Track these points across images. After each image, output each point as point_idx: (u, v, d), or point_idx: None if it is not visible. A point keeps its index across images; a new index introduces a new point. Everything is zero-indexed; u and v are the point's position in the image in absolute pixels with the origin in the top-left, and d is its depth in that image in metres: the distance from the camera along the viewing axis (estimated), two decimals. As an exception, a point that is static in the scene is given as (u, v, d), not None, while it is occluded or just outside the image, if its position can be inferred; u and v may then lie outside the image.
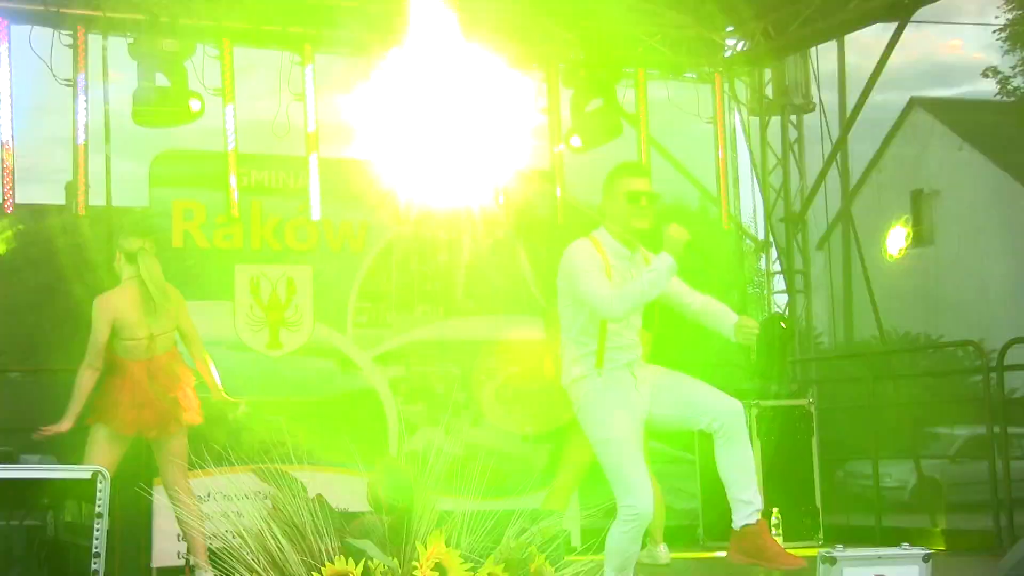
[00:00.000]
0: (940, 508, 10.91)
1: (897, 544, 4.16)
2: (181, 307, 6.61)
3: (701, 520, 8.88)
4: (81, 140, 7.86)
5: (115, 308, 6.42)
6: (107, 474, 3.73)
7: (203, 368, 6.66)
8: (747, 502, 5.04)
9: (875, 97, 9.56)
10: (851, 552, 4.05)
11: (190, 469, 6.26)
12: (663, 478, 12.40)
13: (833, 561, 4.03)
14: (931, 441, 17.58)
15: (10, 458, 5.65)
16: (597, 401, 5.14)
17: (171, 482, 6.43)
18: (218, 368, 7.88)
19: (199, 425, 7.56)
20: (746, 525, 5.02)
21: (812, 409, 8.65)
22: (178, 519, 6.46)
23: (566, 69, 9.12)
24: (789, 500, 8.35)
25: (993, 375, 8.33)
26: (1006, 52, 21.78)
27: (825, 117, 10.34)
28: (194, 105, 8.02)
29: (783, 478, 8.43)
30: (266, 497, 3.11)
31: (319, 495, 3.12)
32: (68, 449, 6.37)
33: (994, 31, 22.49)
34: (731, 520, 5.05)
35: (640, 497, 4.98)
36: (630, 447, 5.06)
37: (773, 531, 8.13)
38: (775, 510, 8.18)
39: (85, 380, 6.35)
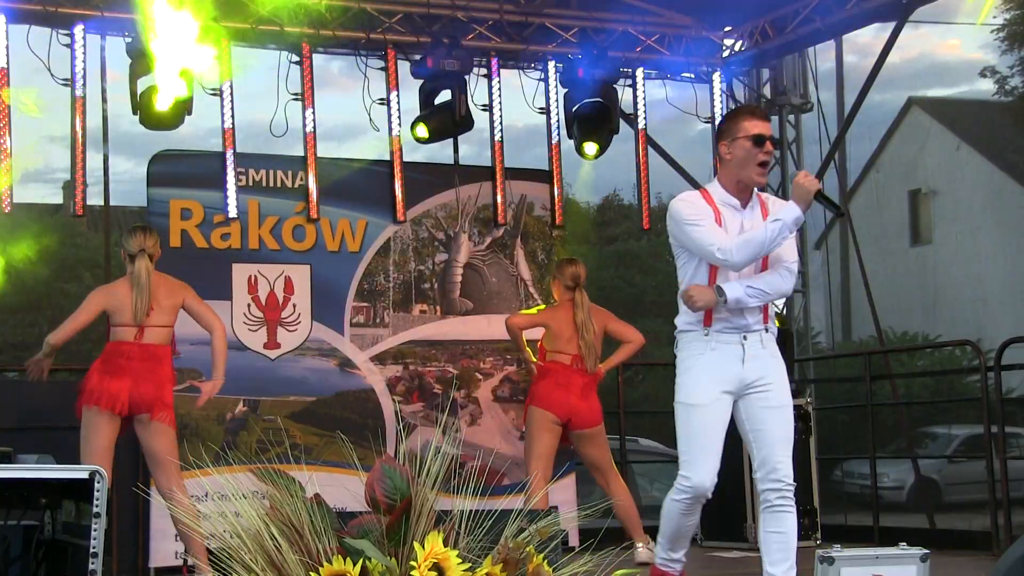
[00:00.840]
0: (938, 508, 10.93)
1: (895, 544, 4.17)
2: (189, 301, 6.76)
3: (699, 520, 8.87)
4: (79, 140, 7.86)
5: (107, 297, 6.66)
6: (105, 474, 3.72)
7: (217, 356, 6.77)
8: None
9: (873, 97, 9.57)
10: (849, 552, 4.05)
11: (186, 469, 6.26)
12: (661, 477, 12.41)
13: (831, 561, 4.04)
14: (928, 441, 17.62)
15: (8, 458, 5.65)
16: (691, 360, 4.95)
17: (165, 481, 6.44)
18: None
19: (197, 425, 7.58)
20: None
21: (810, 409, 8.66)
22: (174, 519, 6.46)
23: (563, 68, 9.12)
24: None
25: (991, 374, 8.34)
26: (1004, 52, 21.79)
27: (823, 117, 10.35)
28: (191, 105, 8.01)
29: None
30: (264, 497, 3.11)
31: (317, 495, 3.12)
32: (66, 449, 6.38)
33: (992, 31, 22.49)
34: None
35: (696, 472, 4.84)
36: (706, 418, 4.86)
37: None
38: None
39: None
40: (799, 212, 4.76)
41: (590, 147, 9.00)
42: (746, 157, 4.86)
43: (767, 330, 4.94)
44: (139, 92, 7.84)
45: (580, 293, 7.42)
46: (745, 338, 4.90)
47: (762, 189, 5.04)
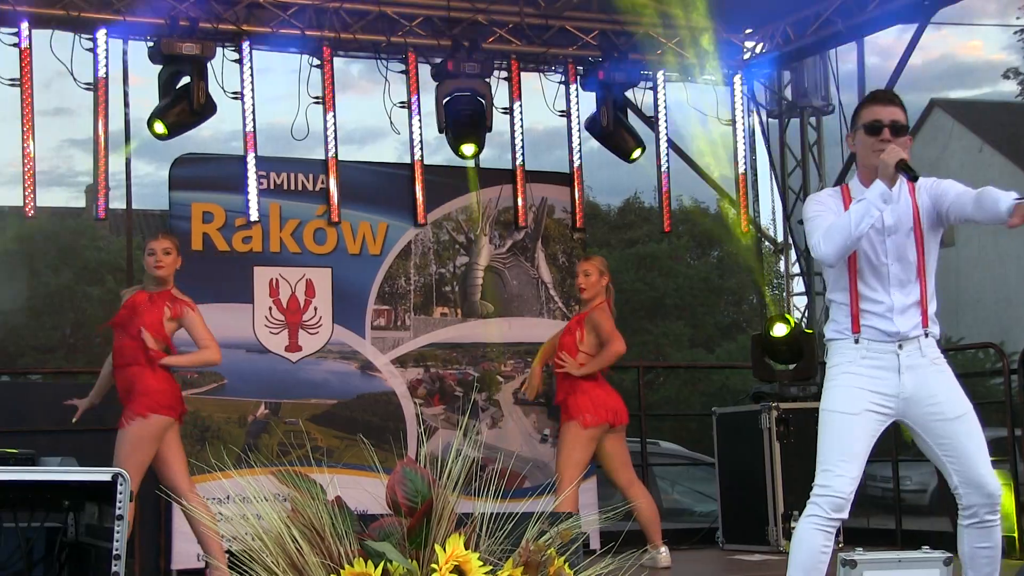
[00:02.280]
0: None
1: (918, 547, 4.15)
2: (187, 318, 6.68)
3: (720, 523, 8.87)
4: (101, 144, 7.89)
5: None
6: (127, 476, 3.74)
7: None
8: None
9: (895, 98, 9.50)
10: (871, 555, 4.04)
11: (208, 472, 6.27)
12: (682, 480, 12.39)
13: (853, 564, 4.02)
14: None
15: (31, 460, 5.67)
16: (840, 369, 4.51)
17: (178, 481, 6.44)
18: (237, 371, 7.92)
19: (219, 428, 7.60)
20: None
21: (832, 411, 8.61)
22: (188, 518, 6.48)
23: (584, 71, 9.12)
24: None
25: (1014, 377, 8.29)
26: (1027, 53, 21.71)
27: (845, 119, 10.30)
28: (214, 108, 8.04)
29: (803, 481, 8.35)
30: (285, 499, 3.12)
31: (338, 497, 3.12)
32: (89, 452, 6.40)
33: (1015, 32, 22.42)
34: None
35: (836, 482, 4.39)
36: (847, 425, 4.44)
37: (793, 534, 8.13)
38: (795, 513, 8.16)
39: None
40: (883, 187, 4.32)
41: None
42: (864, 147, 4.51)
43: (927, 335, 4.49)
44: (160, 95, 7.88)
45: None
46: (900, 347, 4.46)
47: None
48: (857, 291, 4.50)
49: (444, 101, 8.60)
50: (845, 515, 4.40)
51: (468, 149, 8.66)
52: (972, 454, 4.40)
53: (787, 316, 9.47)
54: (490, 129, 8.73)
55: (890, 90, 4.61)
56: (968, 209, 4.41)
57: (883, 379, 4.44)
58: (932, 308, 4.52)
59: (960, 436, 4.42)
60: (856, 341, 4.50)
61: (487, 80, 8.65)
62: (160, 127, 7.97)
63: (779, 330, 9.00)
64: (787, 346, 9.03)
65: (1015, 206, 4.14)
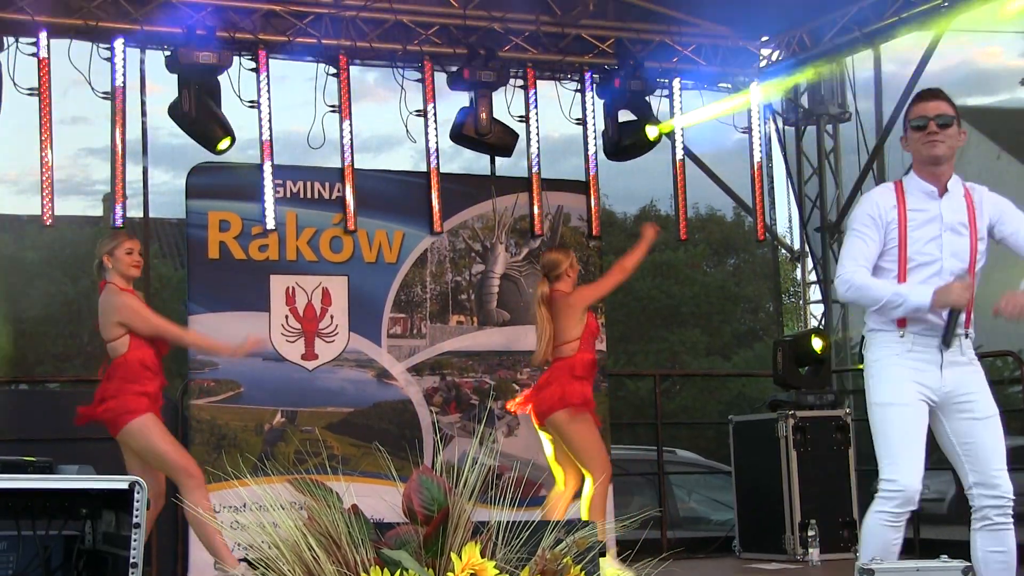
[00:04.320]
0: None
1: (936, 556, 4.13)
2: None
3: (737, 531, 8.84)
4: (119, 153, 7.92)
5: None
6: (144, 484, 3.75)
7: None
8: None
9: (912, 106, 9.48)
10: (889, 564, 4.02)
11: (225, 480, 6.27)
12: (699, 488, 12.36)
13: (871, 573, 4.01)
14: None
15: (49, 468, 5.68)
16: (886, 361, 4.49)
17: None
18: (254, 379, 7.94)
19: (236, 436, 7.62)
20: None
21: (849, 420, 8.61)
22: (191, 522, 6.49)
23: (600, 79, 9.12)
24: (826, 511, 8.30)
25: (1032, 385, 8.25)
26: (1045, 60, 21.63)
27: (861, 126, 10.29)
28: (223, 144, 8.09)
29: (820, 489, 8.38)
30: (302, 507, 3.12)
31: (354, 505, 3.12)
32: (106, 460, 6.42)
33: (1032, 39, 22.28)
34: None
35: (903, 472, 4.36)
36: (907, 416, 4.42)
37: (810, 542, 8.12)
38: (812, 521, 8.14)
39: None
40: (925, 304, 4.39)
41: (652, 129, 9.02)
42: (915, 143, 4.54)
43: (967, 335, 4.55)
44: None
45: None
46: (943, 349, 4.49)
47: (938, 161, 4.54)
48: (907, 281, 4.50)
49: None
50: (915, 506, 4.39)
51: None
52: (990, 455, 4.43)
53: (822, 331, 9.45)
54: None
55: (935, 88, 4.63)
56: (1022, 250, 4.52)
57: (927, 372, 4.46)
58: (973, 311, 4.54)
59: (984, 436, 4.46)
60: (902, 335, 4.50)
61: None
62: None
63: (816, 344, 8.95)
64: (813, 356, 9.00)
65: None
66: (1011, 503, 4.41)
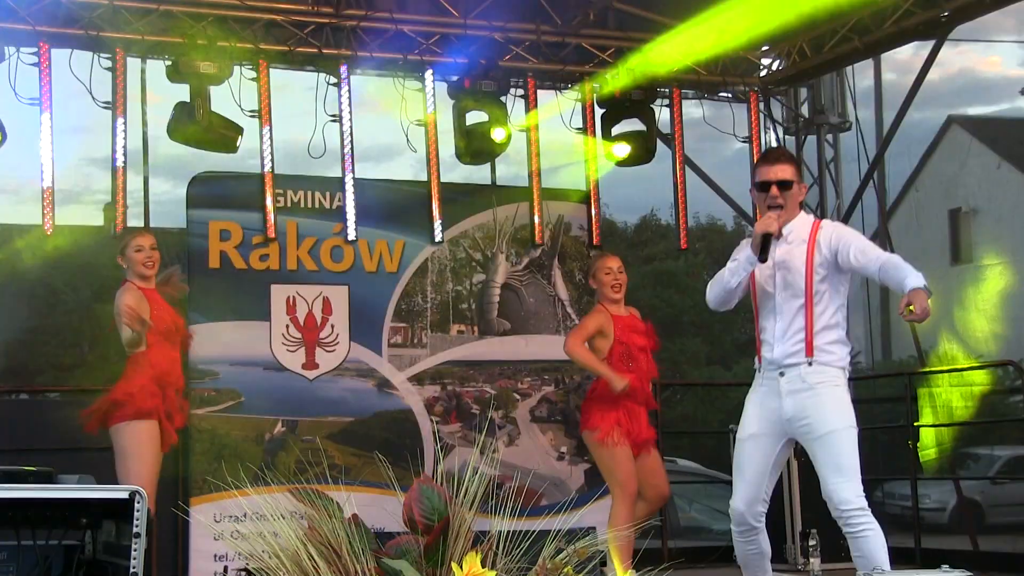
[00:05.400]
0: (980, 530, 10.80)
1: (937, 566, 4.13)
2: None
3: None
4: (119, 162, 7.93)
5: None
6: (145, 494, 3.75)
7: None
8: None
9: (912, 115, 9.51)
10: (890, 574, 4.01)
11: (225, 489, 6.26)
12: (699, 497, 12.36)
13: (872, 583, 4.00)
14: (971, 462, 17.43)
15: (49, 478, 5.68)
16: (747, 396, 5.14)
17: None
18: (254, 388, 7.94)
19: (236, 445, 7.61)
20: None
21: (850, 429, 8.59)
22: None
23: (601, 88, 9.13)
24: (827, 521, 8.22)
25: (1033, 395, 8.25)
26: (1045, 69, 21.64)
27: (861, 135, 10.31)
28: (233, 130, 8.08)
29: (821, 498, 8.35)
30: (302, 517, 3.12)
31: (355, 515, 3.12)
32: (107, 469, 6.42)
33: (1032, 48, 22.31)
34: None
35: (735, 499, 5.07)
36: (744, 451, 5.07)
37: (811, 552, 8.11)
38: (813, 531, 8.13)
39: None
40: (749, 251, 4.96)
41: (619, 148, 8.99)
42: (759, 202, 5.14)
43: (810, 363, 4.95)
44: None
45: None
46: (782, 374, 5.00)
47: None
48: (758, 321, 5.11)
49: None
50: (750, 525, 5.06)
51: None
52: (824, 470, 4.89)
53: None
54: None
55: (780, 147, 5.43)
56: (871, 273, 4.97)
57: (771, 403, 5.01)
58: (824, 338, 4.95)
59: (818, 454, 4.91)
60: (757, 369, 5.11)
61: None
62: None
63: None
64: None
65: (911, 292, 4.68)
66: (847, 512, 4.82)
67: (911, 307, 4.67)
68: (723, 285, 5.03)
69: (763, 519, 5.11)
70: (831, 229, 5.09)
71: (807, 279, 4.97)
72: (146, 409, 6.35)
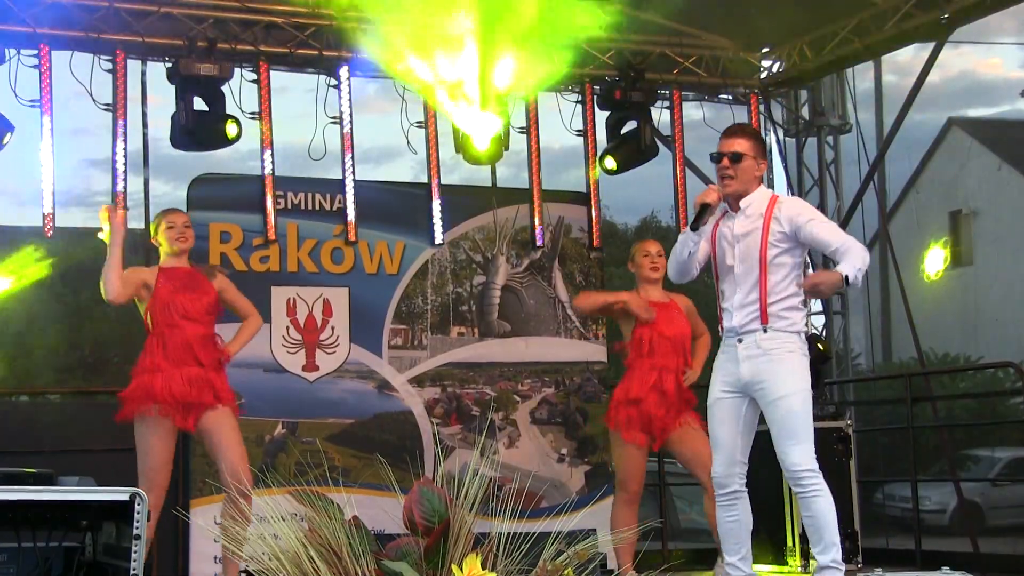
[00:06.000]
0: (981, 531, 10.80)
1: (937, 568, 4.14)
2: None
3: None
4: (120, 164, 7.93)
5: None
6: (145, 496, 3.75)
7: None
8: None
9: (912, 117, 9.51)
10: (891, 576, 4.01)
11: (221, 492, 6.23)
12: (699, 499, 12.36)
13: (872, 585, 4.00)
14: (971, 463, 17.43)
15: (49, 480, 5.68)
16: (714, 362, 5.35)
17: None
18: (254, 390, 7.94)
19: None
20: None
21: (850, 431, 8.59)
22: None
23: (601, 91, 9.13)
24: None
25: (1034, 397, 8.25)
26: (1045, 71, 21.65)
27: (862, 137, 10.30)
28: (231, 129, 8.07)
29: (821, 501, 8.36)
30: (303, 519, 3.12)
31: (355, 517, 3.12)
32: (107, 472, 6.42)
33: (1033, 50, 22.31)
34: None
35: (715, 464, 5.25)
36: (715, 417, 5.26)
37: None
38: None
39: None
40: (691, 224, 5.24)
41: (608, 161, 9.01)
42: (716, 174, 5.34)
43: (765, 330, 5.16)
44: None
45: None
46: (740, 340, 5.21)
47: (738, 198, 5.33)
48: (719, 291, 5.35)
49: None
50: (731, 488, 5.22)
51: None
52: (777, 435, 5.08)
53: (822, 342, 9.42)
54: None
55: (743, 124, 5.66)
56: (829, 252, 5.27)
57: (730, 368, 5.22)
58: (779, 306, 5.17)
59: (772, 416, 5.10)
60: (722, 335, 5.32)
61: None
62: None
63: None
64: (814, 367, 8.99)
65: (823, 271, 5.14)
66: (797, 474, 5.01)
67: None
68: (676, 257, 5.33)
69: (743, 481, 5.23)
70: (791, 203, 5.32)
71: (762, 251, 5.18)
72: (145, 403, 6.24)
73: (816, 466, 5.02)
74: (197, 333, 6.36)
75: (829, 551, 4.97)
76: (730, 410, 5.22)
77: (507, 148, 8.62)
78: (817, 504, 4.98)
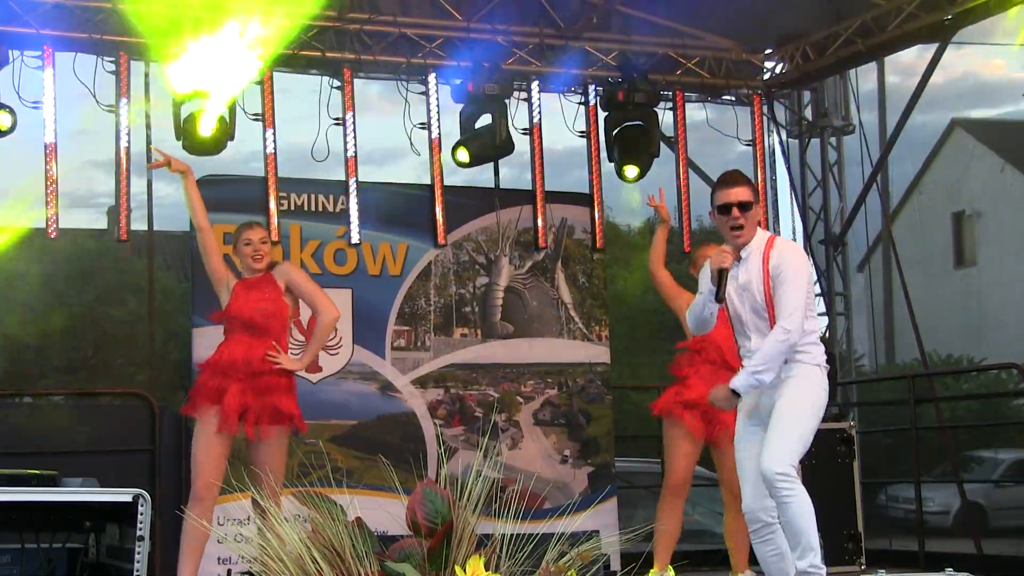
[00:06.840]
0: (984, 533, 10.78)
1: (940, 569, 4.13)
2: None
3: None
4: (123, 165, 7.94)
5: None
6: (148, 497, 3.75)
7: None
8: None
9: (916, 118, 9.52)
10: (894, 577, 4.01)
11: (229, 493, 6.22)
12: (703, 500, 12.35)
13: (876, 586, 4.00)
14: (974, 465, 17.41)
15: (53, 481, 5.68)
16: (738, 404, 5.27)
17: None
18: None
19: (239, 448, 7.58)
20: None
21: (853, 432, 8.59)
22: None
23: (604, 92, 9.13)
24: (830, 524, 8.27)
25: (1037, 398, 8.24)
26: (1049, 72, 21.63)
27: (865, 138, 10.29)
28: (233, 130, 8.07)
29: (824, 502, 8.34)
30: (306, 520, 3.12)
31: (358, 518, 3.12)
32: (111, 473, 6.42)
33: (1036, 51, 22.29)
34: None
35: (743, 500, 5.17)
36: (740, 448, 5.22)
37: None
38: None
39: None
40: (711, 287, 5.12)
41: (631, 170, 9.00)
42: (721, 225, 5.26)
43: (785, 362, 5.09)
44: (183, 119, 7.89)
45: None
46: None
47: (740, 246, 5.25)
48: (736, 339, 5.33)
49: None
50: (763, 521, 5.11)
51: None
52: (767, 439, 5.04)
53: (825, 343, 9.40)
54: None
55: (736, 171, 5.36)
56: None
57: (753, 402, 5.17)
58: (798, 344, 5.09)
59: (772, 417, 5.08)
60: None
61: (506, 101, 8.68)
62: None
63: None
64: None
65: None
66: (771, 478, 4.94)
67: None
68: (696, 315, 5.29)
69: (775, 515, 5.11)
70: (781, 252, 5.19)
71: (766, 297, 5.14)
72: (203, 401, 6.14)
73: (792, 472, 4.99)
74: (265, 344, 6.26)
75: (806, 556, 4.97)
76: (757, 441, 5.15)
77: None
78: (789, 509, 4.96)
